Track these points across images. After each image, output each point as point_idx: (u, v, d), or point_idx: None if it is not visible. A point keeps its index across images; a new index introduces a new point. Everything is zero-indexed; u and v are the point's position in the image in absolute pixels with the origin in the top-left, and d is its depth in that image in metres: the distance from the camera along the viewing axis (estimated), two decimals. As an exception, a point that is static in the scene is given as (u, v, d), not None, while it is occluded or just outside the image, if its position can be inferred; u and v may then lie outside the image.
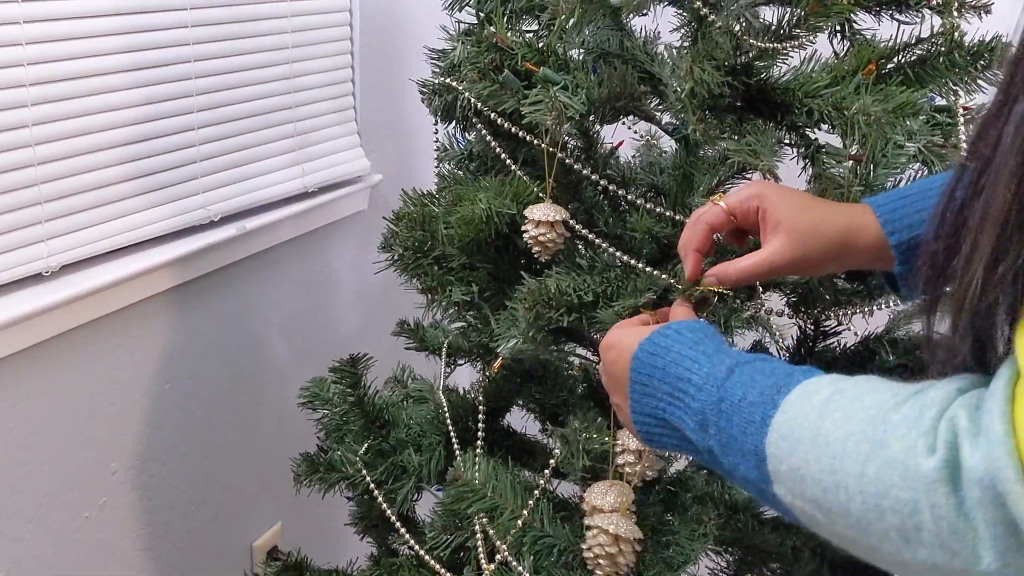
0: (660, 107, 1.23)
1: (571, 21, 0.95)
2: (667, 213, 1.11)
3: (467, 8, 1.14)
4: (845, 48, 1.17)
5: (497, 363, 1.13)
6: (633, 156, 1.45)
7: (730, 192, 0.84)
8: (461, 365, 1.44)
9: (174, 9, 1.31)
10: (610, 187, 1.14)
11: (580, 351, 1.30)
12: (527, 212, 1.05)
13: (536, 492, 1.05)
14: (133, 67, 1.27)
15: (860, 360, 1.19)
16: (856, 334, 1.27)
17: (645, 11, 0.96)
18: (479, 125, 1.19)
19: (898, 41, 1.07)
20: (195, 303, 1.45)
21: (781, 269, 0.80)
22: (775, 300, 1.18)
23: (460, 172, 1.29)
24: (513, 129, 1.12)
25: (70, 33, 1.18)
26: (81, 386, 1.31)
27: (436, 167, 1.30)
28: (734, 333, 1.23)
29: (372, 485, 1.22)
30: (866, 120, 0.91)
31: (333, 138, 1.67)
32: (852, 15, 1.13)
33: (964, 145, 1.10)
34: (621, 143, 1.35)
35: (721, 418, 0.63)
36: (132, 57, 1.27)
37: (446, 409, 1.24)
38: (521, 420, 1.45)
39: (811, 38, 1.06)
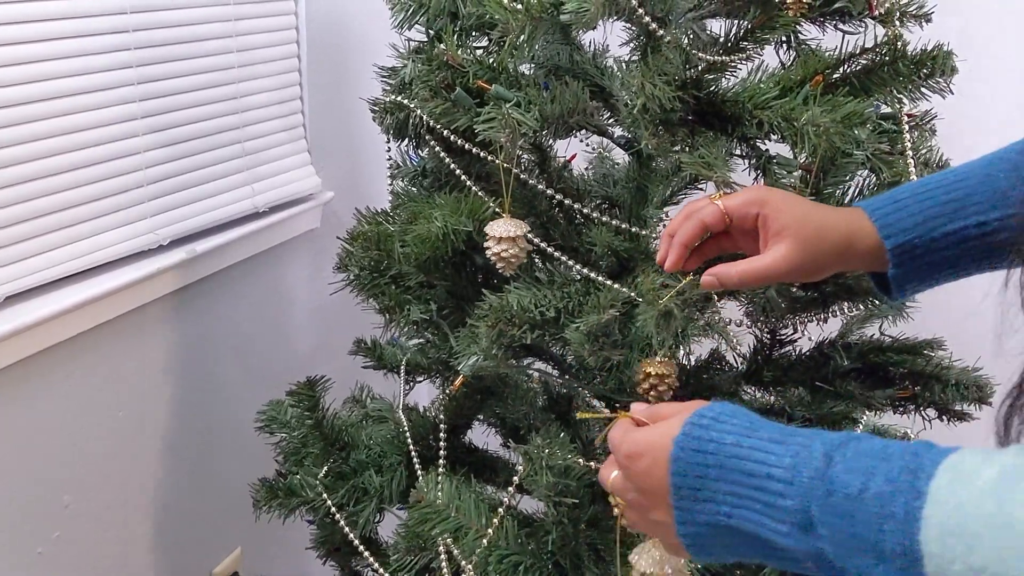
0: (612, 121, 1.24)
1: (521, 38, 0.95)
2: (623, 226, 1.12)
3: (416, 26, 1.14)
4: (792, 59, 1.19)
5: (458, 381, 1.13)
6: (586, 169, 1.46)
7: (730, 195, 0.83)
8: (420, 382, 1.43)
9: (115, 32, 1.29)
10: (565, 200, 1.15)
11: (539, 364, 1.30)
12: (488, 229, 1.05)
13: (500, 510, 1.05)
14: (74, 92, 1.25)
15: (815, 365, 1.21)
16: (811, 339, 1.29)
17: (594, 26, 0.96)
18: (432, 142, 1.18)
19: (843, 51, 1.09)
20: (146, 329, 1.43)
21: (784, 275, 0.79)
22: (731, 309, 1.20)
23: (414, 189, 1.28)
24: (467, 146, 1.12)
25: (6, 59, 1.16)
26: (30, 418, 1.27)
27: (389, 184, 1.29)
28: (690, 341, 1.25)
29: (333, 508, 1.20)
30: (815, 131, 0.92)
31: (283, 156, 1.65)
32: (797, 26, 1.15)
33: (910, 152, 1.12)
34: (574, 156, 1.35)
35: (835, 515, 0.54)
36: (73, 81, 1.24)
37: (406, 428, 1.23)
38: (483, 436, 1.45)
39: (758, 50, 1.08)
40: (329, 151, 1.79)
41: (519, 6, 0.97)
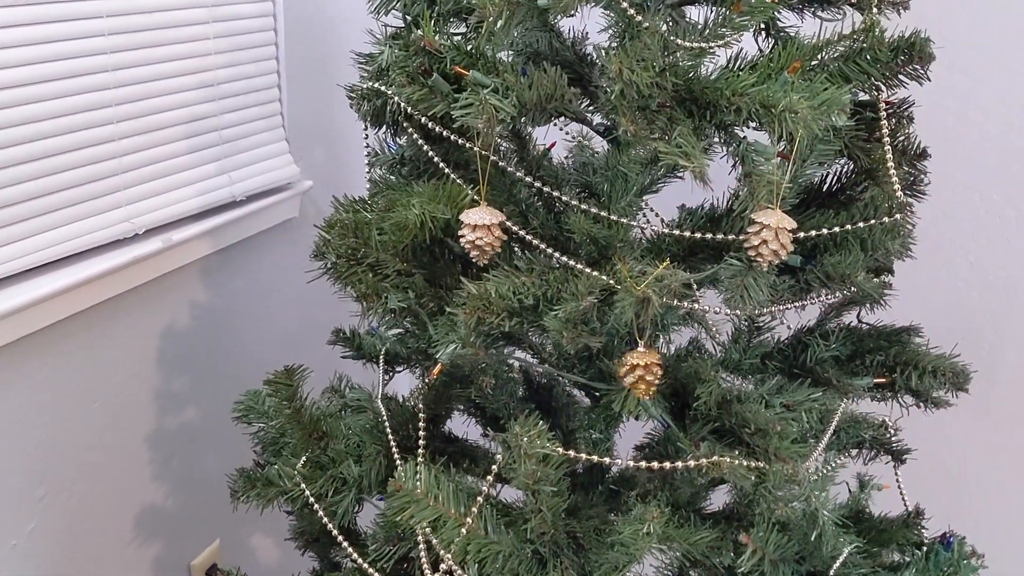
0: (591, 108, 1.23)
1: (499, 24, 0.94)
2: (602, 214, 1.11)
3: (394, 11, 1.13)
4: (770, 46, 1.19)
5: (436, 369, 1.12)
6: (566, 157, 1.45)
7: None
8: (400, 372, 1.42)
9: (90, 17, 1.27)
10: (544, 188, 1.14)
11: (519, 353, 1.30)
12: (463, 217, 1.04)
13: (479, 499, 1.04)
14: (49, 78, 1.23)
15: (794, 353, 1.21)
16: (789, 327, 1.29)
17: (572, 12, 0.95)
18: (410, 129, 1.17)
19: (821, 38, 1.09)
20: (122, 319, 1.41)
21: None
22: (711, 296, 1.19)
23: (392, 177, 1.27)
24: (445, 133, 1.11)
25: (-21, 43, 1.14)
26: (2, 410, 1.26)
27: (367, 172, 1.28)
28: (670, 330, 1.25)
29: (311, 499, 1.19)
30: (793, 118, 0.92)
31: (260, 145, 1.64)
32: (776, 13, 1.15)
33: (887, 139, 1.12)
34: (553, 144, 1.35)
35: None
36: (47, 68, 1.23)
37: (385, 418, 1.23)
38: (462, 425, 1.44)
39: (737, 37, 1.08)
40: (307, 140, 1.78)
41: (495, -9, 0.96)
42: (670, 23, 1.20)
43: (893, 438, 1.39)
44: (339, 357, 1.43)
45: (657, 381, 0.96)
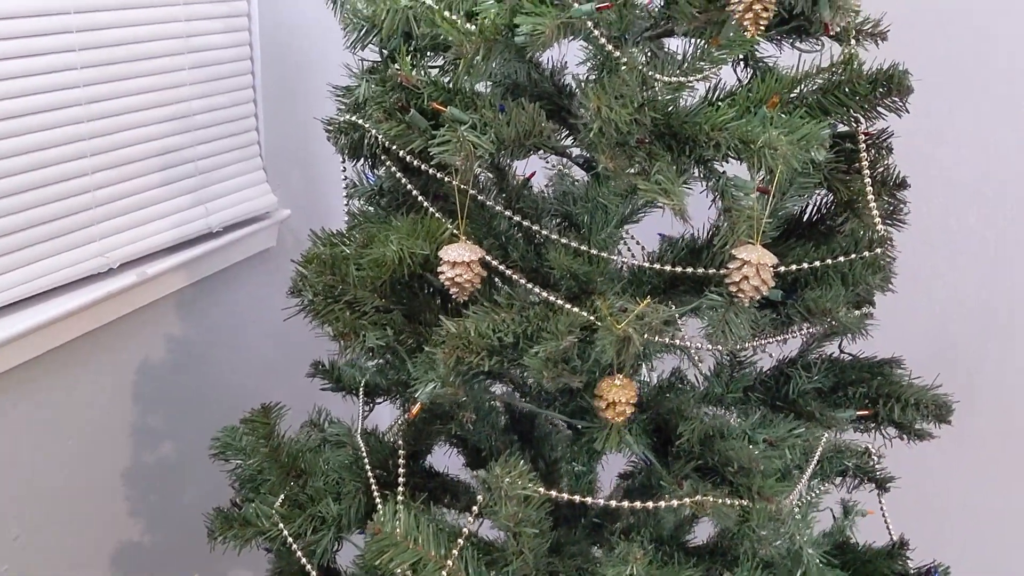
0: (571, 140, 1.22)
1: (477, 59, 0.93)
2: (582, 248, 1.11)
3: (370, 45, 1.12)
4: (749, 77, 1.18)
5: (415, 409, 1.10)
6: (546, 186, 1.45)
7: None
8: (380, 404, 1.41)
9: (62, 51, 1.25)
10: (524, 222, 1.13)
11: (499, 388, 1.28)
12: (442, 253, 1.03)
13: (460, 540, 1.02)
14: (20, 113, 1.21)
15: (776, 385, 1.20)
16: (771, 356, 1.29)
17: (549, 47, 0.95)
18: (388, 162, 1.16)
19: (800, 71, 1.09)
20: (96, 355, 1.39)
21: None
22: (693, 325, 1.19)
23: (371, 208, 1.26)
24: (423, 167, 1.10)
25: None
26: (-26, 450, 1.23)
27: (345, 205, 1.27)
28: (653, 358, 1.24)
29: (290, 538, 1.17)
30: (772, 154, 0.91)
31: (237, 175, 1.62)
32: (755, 45, 1.15)
33: (867, 171, 1.12)
34: (533, 174, 1.34)
35: None
36: (18, 103, 1.21)
37: (364, 454, 1.21)
38: (444, 456, 1.43)
39: (715, 70, 1.07)
40: (285, 168, 1.77)
41: (472, 27, 0.95)
42: (648, 54, 1.20)
43: (876, 466, 1.38)
44: (319, 389, 1.41)
45: (631, 406, 0.95)
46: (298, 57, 1.73)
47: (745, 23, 0.91)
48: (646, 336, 0.97)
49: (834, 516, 1.45)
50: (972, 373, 1.89)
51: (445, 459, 1.42)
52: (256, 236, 1.68)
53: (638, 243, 1.37)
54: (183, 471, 1.61)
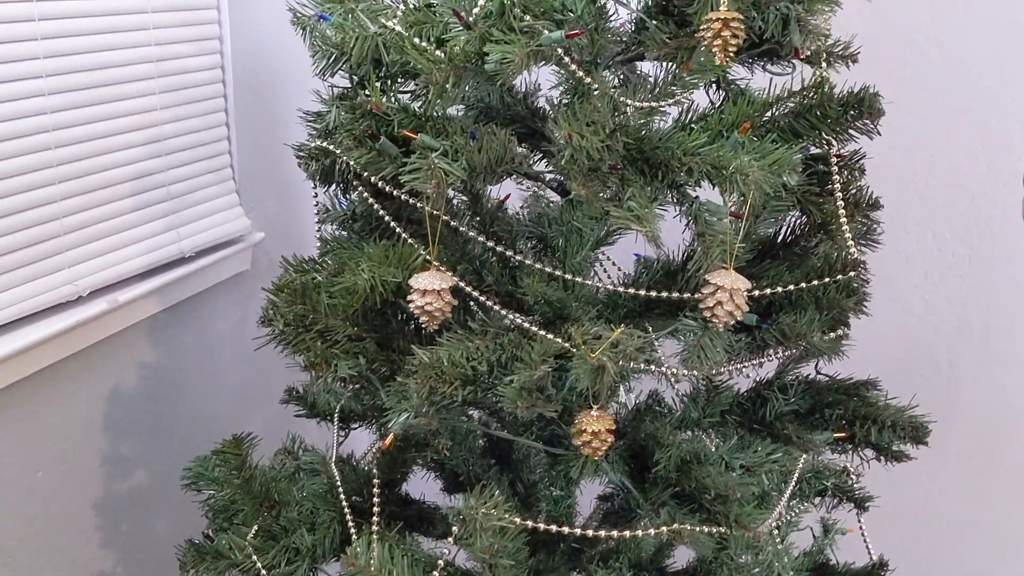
0: (545, 164, 1.22)
1: (447, 86, 0.93)
2: (557, 272, 1.10)
3: (340, 71, 1.11)
4: (721, 99, 1.18)
5: (388, 440, 1.09)
6: (521, 207, 1.44)
7: None
8: (356, 429, 1.39)
9: (30, 77, 1.24)
10: (497, 247, 1.12)
11: (474, 413, 1.27)
12: (412, 282, 1.02)
13: (435, 572, 1.01)
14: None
15: (753, 407, 1.20)
16: (749, 377, 1.28)
17: (520, 74, 0.94)
18: (360, 188, 1.15)
19: (771, 94, 1.09)
20: (65, 384, 1.37)
21: None
22: (669, 345, 1.18)
23: (345, 233, 1.25)
24: (396, 193, 1.09)
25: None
26: (-60, 484, 1.21)
27: (317, 232, 1.25)
28: (631, 379, 1.23)
29: (263, 571, 1.16)
30: (744, 179, 0.91)
31: (210, 199, 1.61)
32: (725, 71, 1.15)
33: (839, 193, 1.12)
34: (507, 197, 1.33)
35: None
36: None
37: (339, 483, 1.19)
38: (422, 480, 1.41)
39: (687, 95, 1.07)
40: (259, 191, 1.75)
41: (442, 55, 0.95)
42: (621, 77, 1.19)
43: (855, 485, 1.38)
44: (293, 415, 1.39)
45: (608, 443, 0.94)
46: (271, 79, 1.72)
47: (714, 50, 0.91)
48: (621, 363, 0.96)
49: (814, 535, 1.44)
50: (950, 386, 1.89)
51: (423, 484, 1.40)
52: (229, 260, 1.67)
53: (614, 264, 1.37)
54: (156, 500, 1.59)
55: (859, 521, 1.41)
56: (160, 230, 1.50)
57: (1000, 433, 1.90)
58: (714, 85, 1.19)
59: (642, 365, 1.02)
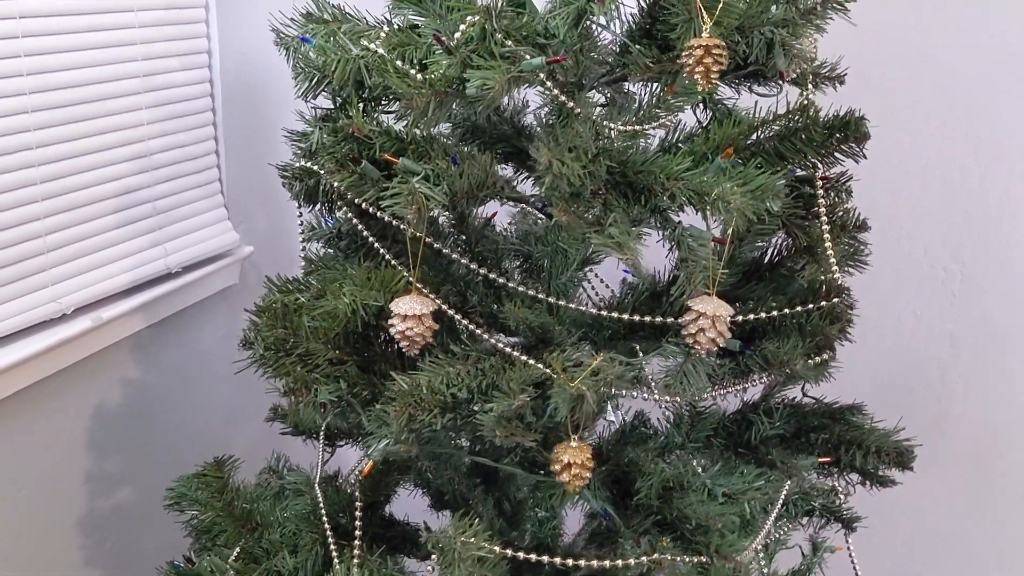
0: (531, 182, 1.21)
1: (429, 110, 0.92)
2: (540, 296, 1.09)
3: (324, 92, 1.10)
4: (708, 119, 1.17)
5: (368, 467, 1.08)
6: (509, 223, 1.43)
7: None
8: (342, 447, 1.38)
9: (13, 95, 1.23)
10: (480, 269, 1.12)
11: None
12: (392, 306, 1.01)
13: (416, 599, 1.00)
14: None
15: (739, 430, 1.19)
16: (737, 396, 1.27)
17: (501, 100, 0.93)
18: (344, 208, 1.15)
19: (757, 117, 1.08)
20: (48, 403, 1.36)
21: None
22: (658, 362, 1.17)
23: (331, 251, 1.24)
24: (379, 214, 1.08)
25: None
26: (-80, 504, 1.20)
27: (302, 251, 1.25)
28: (618, 397, 1.22)
29: (245, 594, 1.15)
30: (726, 206, 0.90)
31: (197, 214, 1.60)
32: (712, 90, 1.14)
33: (824, 217, 1.11)
34: (495, 214, 1.32)
35: None
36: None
37: (322, 505, 1.19)
38: (409, 496, 1.40)
39: (671, 118, 1.07)
40: (248, 205, 1.74)
41: (422, 78, 0.94)
42: (608, 97, 1.19)
43: (843, 505, 1.37)
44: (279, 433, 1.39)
45: (588, 475, 0.93)
46: (261, 92, 1.71)
47: (696, 76, 0.91)
48: (602, 390, 0.95)
49: (803, 553, 1.43)
50: (942, 401, 1.89)
51: (410, 501, 1.40)
52: (217, 274, 1.66)
53: (602, 281, 1.36)
54: (142, 517, 1.58)
55: (847, 542, 1.40)
56: (146, 246, 1.49)
57: (991, 448, 1.89)
58: (702, 105, 1.19)
59: (624, 392, 1.01)
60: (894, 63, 1.73)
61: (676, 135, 1.13)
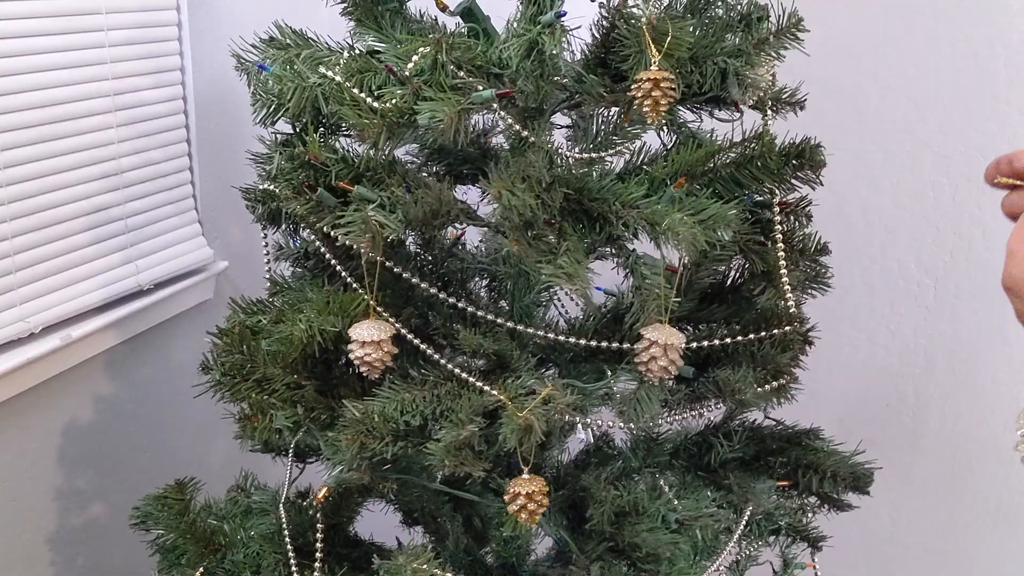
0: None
1: (379, 141, 0.93)
2: (499, 321, 1.10)
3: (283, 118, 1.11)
4: (673, 141, 1.18)
5: (321, 493, 1.09)
6: (481, 241, 1.44)
7: None
8: (312, 463, 1.39)
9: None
10: (440, 293, 1.12)
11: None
12: (351, 332, 1.02)
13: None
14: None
15: (700, 451, 1.20)
16: (701, 415, 1.28)
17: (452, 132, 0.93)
18: (307, 230, 1.16)
19: (713, 144, 1.09)
20: (15, 422, 1.36)
21: None
22: (624, 381, 1.18)
23: (300, 269, 1.25)
24: (340, 239, 1.09)
25: None
26: None
27: (267, 271, 1.25)
28: (589, 412, 1.23)
29: (206, 615, 1.16)
30: (675, 237, 0.91)
31: (170, 230, 1.60)
32: (676, 111, 1.15)
33: (780, 243, 1.12)
34: (463, 233, 1.33)
35: None
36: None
37: (285, 525, 1.19)
38: (380, 511, 1.41)
39: (627, 145, 1.07)
40: (223, 220, 1.75)
41: (374, 106, 0.94)
42: (573, 119, 1.19)
43: (810, 524, 1.38)
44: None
45: (543, 509, 0.94)
46: (236, 109, 1.71)
47: (645, 109, 0.91)
48: (556, 416, 0.96)
49: (774, 570, 1.44)
50: (916, 416, 1.89)
51: (383, 517, 1.40)
52: (192, 290, 1.66)
53: (572, 299, 1.36)
54: (114, 532, 1.58)
55: (813, 560, 1.41)
56: (117, 263, 1.49)
57: (965, 463, 1.90)
58: (665, 128, 1.19)
59: (578, 419, 1.02)
60: (867, 80, 1.74)
61: (641, 157, 1.14)
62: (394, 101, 0.93)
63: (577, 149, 1.05)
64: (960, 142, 1.73)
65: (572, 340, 1.08)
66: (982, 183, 1.72)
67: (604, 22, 0.96)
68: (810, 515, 1.36)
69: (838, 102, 1.75)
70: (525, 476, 0.94)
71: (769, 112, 1.13)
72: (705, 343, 1.04)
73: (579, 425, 1.23)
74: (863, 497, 1.28)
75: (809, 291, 1.22)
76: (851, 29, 1.73)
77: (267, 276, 1.25)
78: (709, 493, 1.11)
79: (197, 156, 1.66)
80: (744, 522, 1.14)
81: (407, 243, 1.27)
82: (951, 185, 1.75)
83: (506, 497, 0.95)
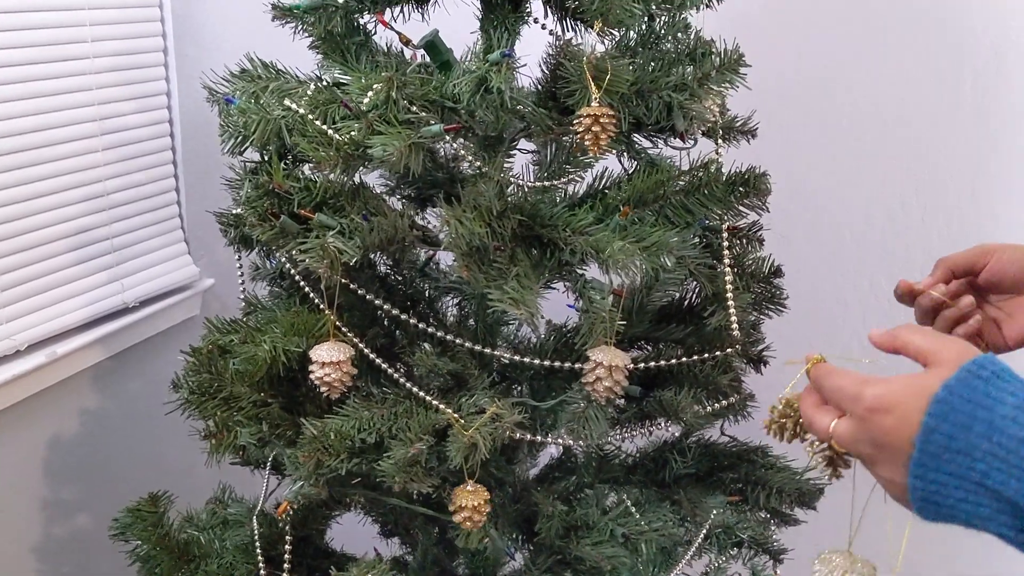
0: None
1: (335, 173, 0.97)
2: (457, 341, 1.14)
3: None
4: (633, 167, 1.22)
5: (281, 507, 1.14)
6: (453, 261, 1.48)
7: None
8: (289, 476, 1.43)
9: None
10: (401, 316, 1.17)
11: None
12: (311, 354, 1.07)
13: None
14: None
15: (656, 466, 1.24)
16: (665, 428, 1.32)
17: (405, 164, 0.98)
18: (279, 254, 1.20)
19: (665, 172, 1.13)
20: (1, 437, 1.41)
21: None
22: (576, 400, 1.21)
23: (277, 288, 1.29)
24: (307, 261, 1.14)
25: None
26: None
27: (242, 292, 1.30)
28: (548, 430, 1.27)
29: (179, 624, 1.20)
30: (617, 263, 0.95)
31: (156, 249, 1.65)
32: (629, 140, 1.19)
33: (728, 267, 1.16)
34: (435, 252, 1.37)
35: None
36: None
37: (256, 537, 1.24)
38: (357, 520, 1.45)
39: (579, 174, 1.12)
40: (209, 237, 1.79)
41: (334, 138, 0.99)
42: (541, 142, 1.23)
43: (772, 537, 1.41)
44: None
45: (484, 515, 0.98)
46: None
47: (586, 143, 0.96)
48: (502, 434, 1.00)
49: (742, 581, 1.48)
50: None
51: (361, 528, 1.44)
52: (178, 307, 1.71)
53: (543, 316, 1.41)
54: (99, 542, 1.62)
55: (775, 572, 1.44)
56: (103, 282, 1.54)
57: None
58: (625, 153, 1.24)
59: (528, 436, 1.06)
60: (836, 98, 1.78)
61: (603, 182, 1.18)
62: (352, 134, 0.98)
63: (532, 177, 1.09)
64: (928, 162, 1.77)
65: (527, 360, 1.12)
66: (950, 201, 1.75)
67: (551, 60, 1.01)
68: (772, 528, 1.40)
69: (808, 120, 1.79)
70: (469, 488, 0.98)
71: (719, 141, 1.17)
72: (652, 364, 1.08)
73: (550, 440, 1.27)
74: (841, 515, 1.31)
75: (765, 312, 1.26)
76: (823, 50, 1.77)
77: (242, 296, 1.30)
78: (666, 508, 1.15)
79: (183, 177, 1.71)
80: (703, 536, 1.18)
81: (376, 264, 1.32)
82: (919, 204, 1.79)
83: (452, 508, 1.00)
